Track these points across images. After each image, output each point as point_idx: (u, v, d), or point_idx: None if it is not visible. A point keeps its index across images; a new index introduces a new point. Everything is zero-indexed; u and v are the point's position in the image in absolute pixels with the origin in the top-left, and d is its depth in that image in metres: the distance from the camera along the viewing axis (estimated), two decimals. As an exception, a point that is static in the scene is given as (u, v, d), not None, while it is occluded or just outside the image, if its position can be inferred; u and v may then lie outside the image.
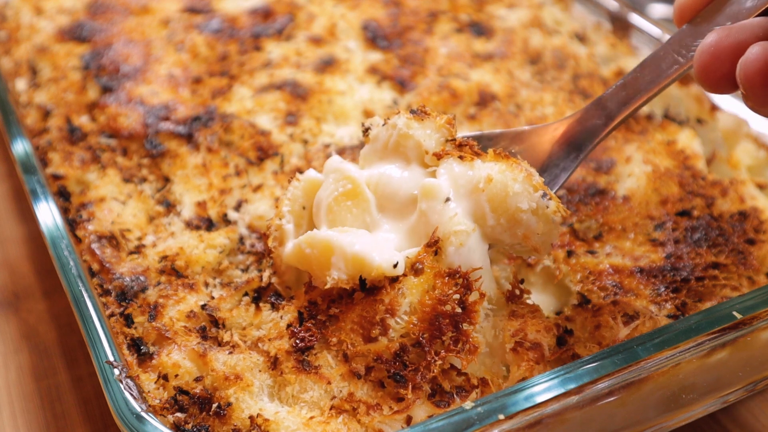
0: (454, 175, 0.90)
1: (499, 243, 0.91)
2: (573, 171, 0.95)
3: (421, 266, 0.88)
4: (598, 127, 0.96)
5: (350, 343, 0.87)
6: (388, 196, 0.93)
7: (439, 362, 0.85)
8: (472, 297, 0.87)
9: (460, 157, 0.91)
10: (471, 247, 0.88)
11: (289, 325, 0.91)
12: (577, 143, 0.96)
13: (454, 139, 0.94)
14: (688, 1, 0.93)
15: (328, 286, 0.89)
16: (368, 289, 0.89)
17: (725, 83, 0.83)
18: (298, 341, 0.89)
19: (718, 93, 0.87)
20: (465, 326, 0.86)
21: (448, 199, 0.89)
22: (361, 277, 0.88)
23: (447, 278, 0.87)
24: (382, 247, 0.90)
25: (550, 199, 0.88)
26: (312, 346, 0.89)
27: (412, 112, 0.95)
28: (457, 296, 0.86)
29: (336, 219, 0.92)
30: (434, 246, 0.88)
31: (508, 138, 1.00)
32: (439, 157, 0.92)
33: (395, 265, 0.88)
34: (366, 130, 0.98)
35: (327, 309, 0.91)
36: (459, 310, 0.86)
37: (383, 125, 0.96)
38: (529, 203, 0.87)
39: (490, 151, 0.91)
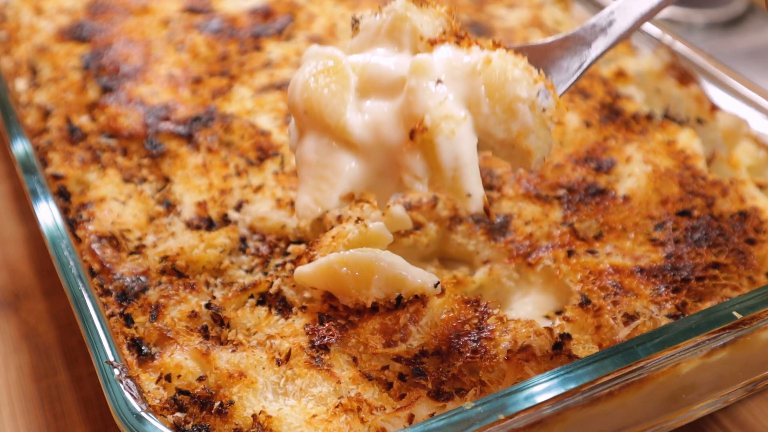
0: (448, 58, 0.83)
1: (490, 139, 0.83)
2: (574, 82, 0.89)
3: (443, 289, 0.93)
4: (602, 39, 0.89)
5: (369, 345, 0.89)
6: (373, 79, 0.85)
7: (459, 364, 0.87)
8: (491, 320, 0.91)
9: (457, 43, 0.84)
10: (462, 137, 0.80)
11: (306, 325, 0.92)
12: (580, 56, 0.90)
13: (452, 30, 0.87)
14: None
15: (369, 304, 0.91)
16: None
17: None
18: (317, 339, 0.90)
19: None
20: (484, 342, 0.89)
21: (439, 81, 0.81)
22: (399, 295, 0.92)
23: (467, 305, 0.91)
24: (417, 270, 0.93)
25: (550, 96, 0.82)
26: (329, 347, 0.89)
27: None
28: (475, 320, 0.91)
29: (311, 97, 0.84)
30: (420, 134, 0.80)
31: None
32: (433, 43, 0.84)
33: (436, 285, 0.92)
34: (356, 22, 0.91)
35: (347, 316, 0.92)
36: (476, 330, 0.90)
37: (376, 15, 0.89)
38: (528, 92, 0.80)
39: (489, 41, 0.85)
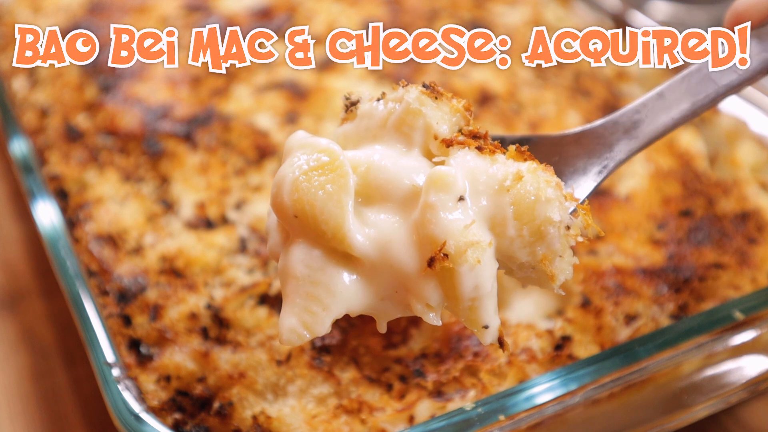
0: (470, 168, 0.72)
1: (511, 262, 0.74)
2: (594, 190, 0.80)
3: None
4: (625, 144, 0.80)
5: (370, 347, 0.88)
6: (379, 183, 0.73)
7: (460, 366, 0.87)
8: None
9: (479, 148, 0.73)
10: (486, 265, 0.70)
11: None
12: (600, 159, 0.80)
13: (470, 130, 0.76)
14: (750, 9, 0.83)
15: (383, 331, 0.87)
16: None
17: None
18: (318, 340, 0.89)
19: None
20: (485, 346, 0.87)
21: (461, 198, 0.70)
22: None
23: None
24: None
25: (576, 215, 0.72)
26: (330, 348, 0.89)
27: (425, 86, 0.77)
28: None
29: (302, 199, 0.72)
30: (440, 262, 0.69)
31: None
32: (448, 144, 0.74)
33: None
34: (351, 104, 0.80)
35: (348, 318, 0.92)
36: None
37: (379, 100, 0.78)
38: (561, 215, 0.70)
39: (511, 147, 0.74)
